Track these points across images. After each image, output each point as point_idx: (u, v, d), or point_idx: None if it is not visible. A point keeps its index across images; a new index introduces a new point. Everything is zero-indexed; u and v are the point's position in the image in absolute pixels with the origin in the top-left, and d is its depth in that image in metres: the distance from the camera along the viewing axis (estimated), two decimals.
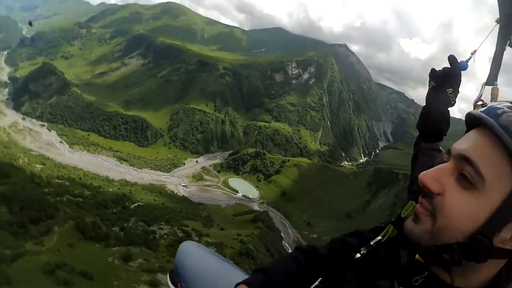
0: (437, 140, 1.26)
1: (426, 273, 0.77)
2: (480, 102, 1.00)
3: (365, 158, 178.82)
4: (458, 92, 1.17)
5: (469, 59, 1.18)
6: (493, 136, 0.63)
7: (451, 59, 1.13)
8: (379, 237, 0.96)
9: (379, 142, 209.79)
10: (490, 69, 1.15)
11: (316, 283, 0.98)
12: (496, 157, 0.62)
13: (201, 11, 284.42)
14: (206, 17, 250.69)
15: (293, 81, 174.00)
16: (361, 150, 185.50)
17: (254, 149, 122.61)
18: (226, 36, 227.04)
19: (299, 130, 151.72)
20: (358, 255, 0.94)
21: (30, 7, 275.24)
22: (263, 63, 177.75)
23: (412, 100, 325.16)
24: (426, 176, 0.70)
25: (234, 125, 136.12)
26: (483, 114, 0.66)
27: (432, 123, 1.22)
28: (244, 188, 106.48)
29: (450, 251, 0.66)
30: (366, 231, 1.08)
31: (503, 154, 0.61)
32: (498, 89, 1.04)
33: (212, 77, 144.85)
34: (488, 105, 0.69)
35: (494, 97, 1.02)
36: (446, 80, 1.16)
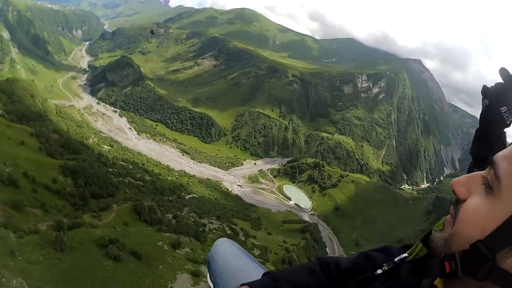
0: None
1: None
2: None
3: (428, 184, 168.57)
4: None
5: None
6: None
7: (503, 72, 1.00)
8: (405, 254, 0.92)
9: (444, 168, 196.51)
10: None
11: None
12: None
13: (274, 18, 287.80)
14: (279, 24, 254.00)
15: (362, 94, 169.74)
16: (425, 174, 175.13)
17: (313, 159, 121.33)
18: (297, 44, 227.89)
19: (362, 146, 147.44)
20: (379, 271, 0.91)
21: (112, 5, 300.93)
22: (333, 73, 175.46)
23: None
24: (457, 182, 0.70)
25: (296, 133, 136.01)
26: None
27: (487, 146, 1.11)
28: (298, 196, 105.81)
29: (451, 259, 0.65)
30: (395, 247, 1.04)
31: None
32: None
33: (280, 83, 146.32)
34: None
35: None
36: (500, 97, 1.05)
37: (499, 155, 0.64)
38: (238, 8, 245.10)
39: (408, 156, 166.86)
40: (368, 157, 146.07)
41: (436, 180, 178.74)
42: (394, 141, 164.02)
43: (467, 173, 1.12)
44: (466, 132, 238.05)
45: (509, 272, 0.56)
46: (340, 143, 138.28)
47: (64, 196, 36.94)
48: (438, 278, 0.71)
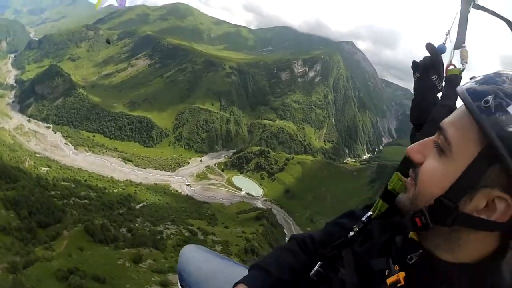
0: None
1: (420, 251, 0.78)
2: (451, 67, 1.09)
3: (369, 155, 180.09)
4: (444, 76, 1.18)
5: (445, 40, 1.19)
6: (464, 104, 0.67)
7: (429, 46, 1.18)
8: (369, 212, 1.00)
9: (383, 138, 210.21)
10: (457, 32, 1.13)
11: (316, 267, 1.00)
12: (464, 122, 0.67)
13: (209, 11, 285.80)
14: (213, 17, 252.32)
15: (299, 79, 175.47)
16: (365, 147, 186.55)
17: (258, 147, 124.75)
18: (232, 36, 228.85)
19: (303, 128, 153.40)
20: (351, 233, 0.98)
21: (38, 11, 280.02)
22: (269, 61, 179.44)
23: None
24: (412, 149, 0.77)
25: (239, 124, 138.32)
26: (460, 87, 0.71)
27: (424, 112, 1.22)
28: (248, 186, 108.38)
29: (421, 214, 0.72)
30: (358, 210, 1.12)
31: (470, 119, 0.64)
32: (467, 51, 1.07)
33: (218, 76, 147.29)
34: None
35: (463, 59, 1.07)
36: (429, 68, 1.19)
37: (446, 122, 0.71)
38: (170, 4, 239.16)
39: (348, 132, 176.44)
40: (310, 138, 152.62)
41: (376, 150, 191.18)
42: (333, 120, 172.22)
43: (410, 138, 1.30)
44: (399, 103, 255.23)
45: (471, 214, 0.66)
46: (282, 128, 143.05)
47: (10, 232, 34.50)
48: (411, 232, 0.80)
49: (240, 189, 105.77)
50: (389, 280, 0.77)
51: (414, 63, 1.24)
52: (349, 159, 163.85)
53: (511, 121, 0.58)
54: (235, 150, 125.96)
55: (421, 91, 1.25)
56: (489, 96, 0.61)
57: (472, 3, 1.09)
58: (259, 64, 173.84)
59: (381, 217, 0.97)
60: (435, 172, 0.70)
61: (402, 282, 0.75)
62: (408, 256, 0.79)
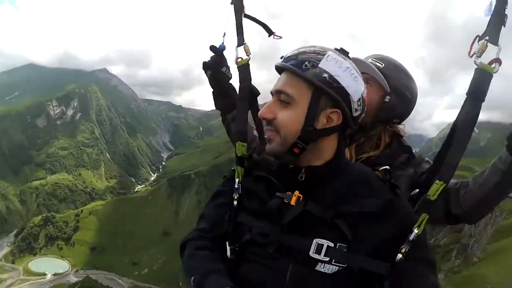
0: (231, 108, 1.58)
1: (303, 169, 1.03)
2: (239, 59, 1.31)
3: (155, 174, 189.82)
4: (229, 66, 1.52)
5: (223, 41, 1.45)
6: (289, 72, 1.01)
7: (213, 48, 1.47)
8: (236, 179, 1.14)
9: (162, 154, 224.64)
10: (237, 34, 1.37)
11: (228, 249, 1.08)
12: (295, 82, 1.00)
13: None
14: None
15: (58, 122, 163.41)
16: (149, 168, 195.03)
17: (40, 216, 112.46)
18: None
19: (80, 174, 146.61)
20: (235, 202, 1.11)
21: None
22: (20, 110, 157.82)
23: (180, 106, 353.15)
24: (263, 112, 1.03)
25: (6, 198, 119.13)
26: (280, 63, 1.04)
27: (226, 99, 1.58)
28: (50, 265, 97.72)
29: (296, 144, 1.00)
30: (221, 187, 1.24)
31: (298, 79, 0.98)
32: (248, 46, 1.32)
33: None
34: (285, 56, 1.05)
35: (247, 52, 1.32)
36: (218, 64, 1.50)
37: (279, 86, 1.03)
38: None
39: (127, 161, 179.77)
40: (91, 182, 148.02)
41: (160, 167, 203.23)
42: (107, 154, 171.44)
43: (223, 123, 1.68)
44: (165, 117, 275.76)
45: (322, 128, 1.00)
46: (57, 183, 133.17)
47: None
48: (297, 159, 1.03)
49: (44, 274, 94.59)
50: (292, 202, 1.00)
51: (204, 63, 1.52)
52: (139, 186, 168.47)
53: (322, 71, 0.96)
54: (15, 232, 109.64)
55: (217, 83, 1.55)
56: (306, 62, 0.97)
57: (243, 13, 1.34)
58: (9, 116, 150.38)
59: (247, 178, 1.15)
60: (291, 117, 0.99)
61: (301, 196, 1.00)
62: (299, 176, 1.03)
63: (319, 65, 0.98)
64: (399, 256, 0.95)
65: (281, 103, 1.02)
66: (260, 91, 1.31)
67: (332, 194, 1.02)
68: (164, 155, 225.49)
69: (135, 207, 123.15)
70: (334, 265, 0.96)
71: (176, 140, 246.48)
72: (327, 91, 0.98)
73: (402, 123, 1.60)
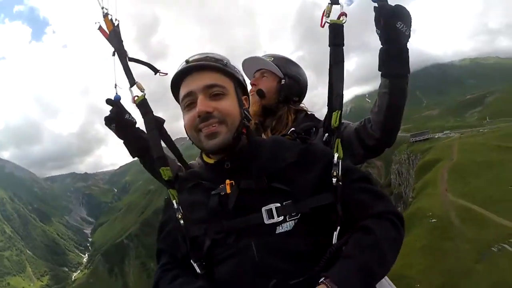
0: (143, 152, 1.60)
1: (225, 157, 1.13)
2: (135, 98, 1.37)
3: (86, 255, 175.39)
4: (130, 112, 1.57)
5: (116, 91, 1.50)
6: (211, 69, 1.12)
7: (109, 101, 1.52)
8: (173, 202, 1.17)
9: (84, 231, 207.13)
10: (127, 76, 1.42)
11: (195, 266, 1.09)
12: (219, 76, 1.11)
13: None
14: None
15: None
16: (77, 251, 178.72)
17: None
18: None
19: (8, 284, 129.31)
20: (181, 222, 1.13)
21: None
22: None
23: (86, 173, 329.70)
24: (202, 107, 1.07)
25: None
26: (201, 62, 1.12)
27: (140, 144, 1.60)
28: None
29: (243, 124, 1.13)
30: (162, 219, 1.26)
31: (221, 74, 1.11)
32: (140, 84, 1.38)
33: None
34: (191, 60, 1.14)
35: (141, 89, 1.38)
36: (118, 114, 1.53)
37: (209, 82, 1.11)
38: None
39: (51, 251, 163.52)
40: None
41: (88, 244, 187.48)
42: (28, 251, 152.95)
43: (145, 166, 1.68)
44: (74, 190, 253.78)
45: (246, 108, 1.17)
46: None
47: None
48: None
49: None
50: (227, 190, 1.06)
51: (106, 118, 1.53)
52: (75, 274, 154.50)
53: (234, 67, 1.16)
54: None
55: (125, 132, 1.57)
56: (221, 60, 1.12)
57: (127, 57, 1.41)
58: None
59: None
60: (231, 104, 1.10)
61: (232, 181, 1.07)
62: (225, 168, 1.12)
63: (229, 64, 1.16)
64: (334, 180, 1.03)
65: (214, 96, 1.10)
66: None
67: (258, 166, 1.10)
68: (88, 231, 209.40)
69: None
70: (290, 220, 1.01)
71: (94, 210, 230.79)
72: (241, 82, 1.17)
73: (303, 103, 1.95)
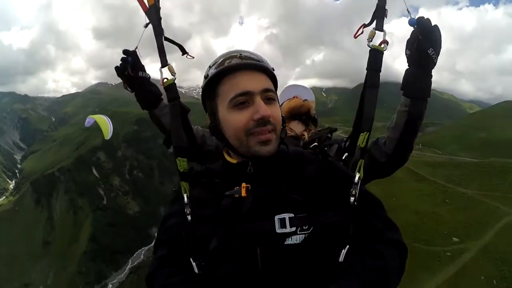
0: (156, 104, 1.69)
1: (250, 161, 1.10)
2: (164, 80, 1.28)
3: (13, 181, 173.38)
4: (143, 66, 1.60)
5: (137, 47, 1.53)
6: (262, 71, 1.09)
7: (125, 52, 1.54)
8: (184, 195, 1.12)
9: (15, 156, 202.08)
10: (160, 57, 1.34)
11: (194, 265, 1.05)
12: (268, 80, 1.09)
13: None
14: None
15: None
16: (4, 175, 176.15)
17: None
18: None
19: None
20: (189, 217, 1.09)
21: None
22: None
23: (26, 95, 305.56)
24: (267, 112, 1.03)
25: None
26: (256, 63, 1.09)
27: (149, 96, 1.66)
28: None
29: (283, 132, 1.12)
30: (169, 209, 1.21)
31: (267, 78, 1.09)
32: (172, 66, 1.30)
33: None
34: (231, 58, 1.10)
35: (172, 73, 1.30)
36: (134, 67, 1.56)
37: (265, 86, 1.09)
38: None
39: None
40: None
41: (17, 171, 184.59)
42: None
43: (154, 119, 1.71)
44: (10, 111, 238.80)
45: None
46: None
47: None
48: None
49: None
50: (243, 193, 1.04)
51: (118, 68, 1.57)
52: (0, 199, 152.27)
53: (207, 73, 1.13)
54: None
55: (138, 85, 1.62)
56: (268, 64, 1.12)
57: (163, 36, 1.35)
58: None
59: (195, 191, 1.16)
60: (279, 112, 1.10)
61: (249, 185, 1.05)
62: (247, 172, 1.09)
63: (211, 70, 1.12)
64: (351, 198, 1.03)
65: (268, 100, 1.07)
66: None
67: (278, 174, 1.08)
68: (18, 157, 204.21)
69: (2, 224, 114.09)
70: (301, 233, 1.00)
71: (28, 136, 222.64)
72: (276, 88, 1.15)
73: None
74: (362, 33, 1.23)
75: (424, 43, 1.27)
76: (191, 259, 1.06)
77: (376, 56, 1.19)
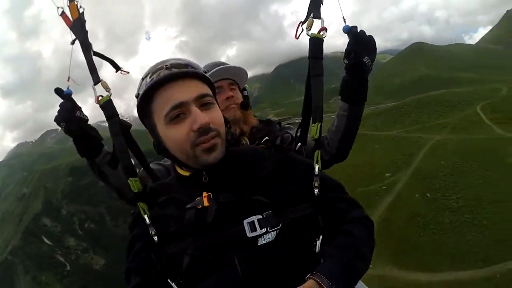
0: (97, 152, 1.50)
1: (203, 171, 1.07)
2: (99, 98, 1.20)
3: None
4: (80, 107, 1.46)
5: (68, 86, 1.42)
6: (196, 77, 1.05)
7: (59, 93, 1.41)
8: (145, 216, 1.07)
9: None
10: (91, 74, 1.29)
11: (173, 285, 1.01)
12: (203, 85, 1.06)
13: None
14: None
15: None
16: None
17: None
18: None
19: None
20: (155, 238, 1.04)
21: None
22: None
23: None
24: (205, 119, 0.99)
25: None
26: (189, 70, 1.04)
27: (90, 142, 1.48)
28: None
29: (227, 135, 1.10)
30: (131, 236, 1.15)
31: (203, 82, 1.05)
32: (106, 82, 1.24)
33: None
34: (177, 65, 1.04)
35: (106, 89, 1.23)
36: (70, 111, 1.41)
37: (201, 92, 1.05)
38: None
39: None
40: None
41: None
42: None
43: (95, 168, 1.52)
44: None
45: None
46: None
47: None
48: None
49: None
50: (205, 203, 1.00)
51: (57, 117, 1.42)
52: None
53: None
54: None
55: (76, 130, 1.43)
56: (201, 68, 1.10)
57: (92, 51, 1.28)
58: None
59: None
60: (220, 115, 1.08)
61: (210, 194, 1.02)
62: (202, 181, 1.07)
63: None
64: (316, 190, 1.04)
65: (205, 106, 1.03)
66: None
67: (235, 177, 1.05)
68: None
69: None
70: (272, 231, 0.99)
71: None
72: (215, 89, 1.15)
73: None
74: (302, 31, 1.20)
75: (361, 52, 1.29)
76: (169, 280, 1.01)
77: (316, 44, 1.18)
